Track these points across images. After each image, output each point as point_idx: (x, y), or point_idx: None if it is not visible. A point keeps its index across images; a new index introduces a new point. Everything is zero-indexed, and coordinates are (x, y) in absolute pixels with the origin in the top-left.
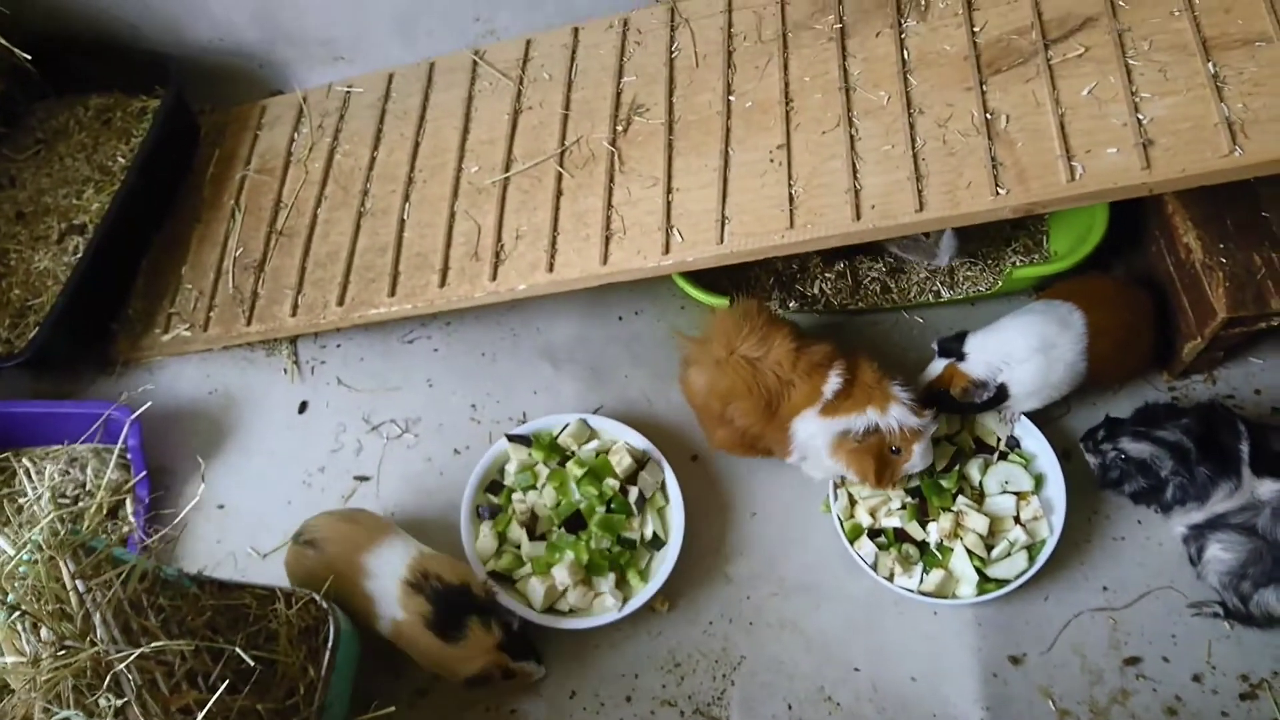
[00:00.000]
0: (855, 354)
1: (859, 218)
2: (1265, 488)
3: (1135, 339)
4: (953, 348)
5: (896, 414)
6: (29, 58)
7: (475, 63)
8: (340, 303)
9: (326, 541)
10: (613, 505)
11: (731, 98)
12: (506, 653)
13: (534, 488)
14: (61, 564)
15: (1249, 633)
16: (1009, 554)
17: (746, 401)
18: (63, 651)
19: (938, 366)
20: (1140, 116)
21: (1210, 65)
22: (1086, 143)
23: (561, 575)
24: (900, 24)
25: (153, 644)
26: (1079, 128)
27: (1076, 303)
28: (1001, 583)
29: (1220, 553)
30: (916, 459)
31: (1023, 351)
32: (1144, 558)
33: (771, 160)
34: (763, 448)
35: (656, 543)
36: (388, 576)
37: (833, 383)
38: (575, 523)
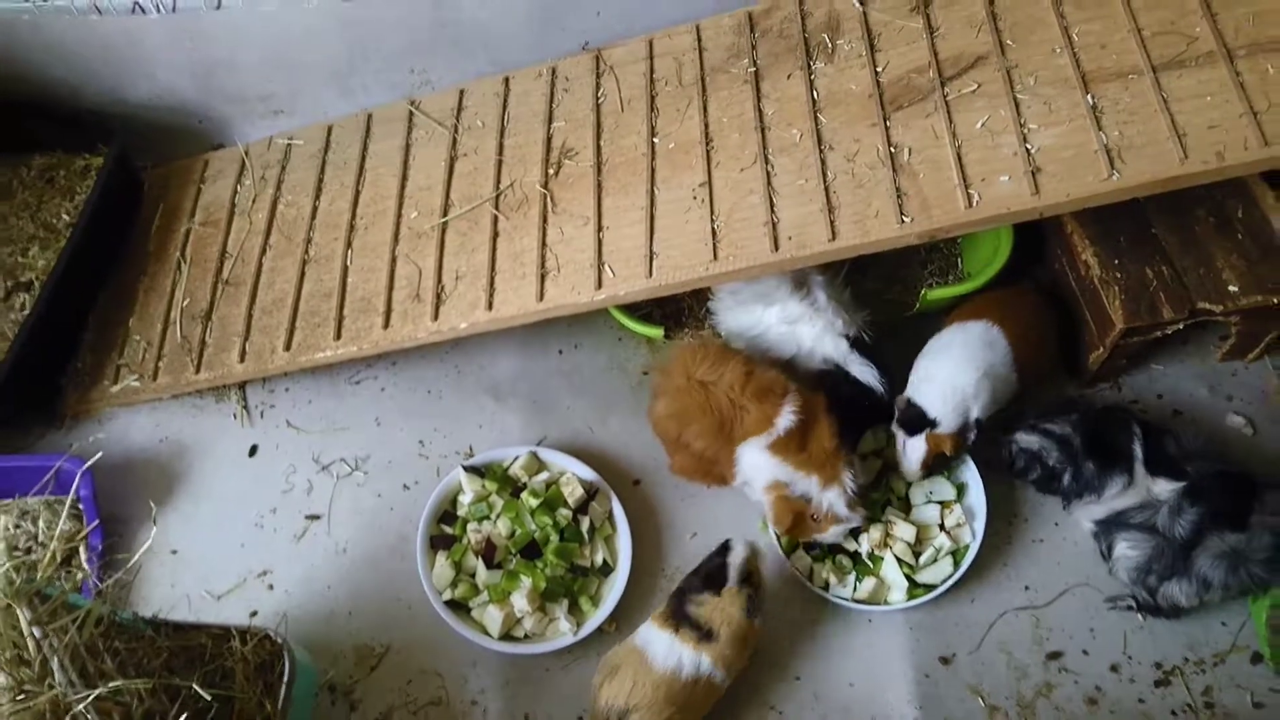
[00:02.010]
0: (814, 397)
1: (777, 248)
2: (1160, 487)
3: (1043, 340)
4: (919, 417)
5: (833, 497)
6: None
7: (411, 112)
8: (287, 348)
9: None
10: (565, 534)
11: (655, 139)
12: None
13: (488, 518)
14: (18, 611)
15: (1160, 623)
16: (936, 560)
17: (701, 423)
18: (21, 696)
19: (918, 445)
20: (1029, 146)
21: (1089, 97)
22: (981, 171)
23: (520, 602)
24: (809, 66)
25: (110, 684)
26: (974, 158)
27: (989, 319)
28: (930, 588)
29: (1127, 550)
30: (828, 535)
31: (972, 385)
32: (1061, 557)
33: (695, 197)
34: (717, 474)
35: (605, 569)
36: None
37: (786, 418)
38: (532, 550)
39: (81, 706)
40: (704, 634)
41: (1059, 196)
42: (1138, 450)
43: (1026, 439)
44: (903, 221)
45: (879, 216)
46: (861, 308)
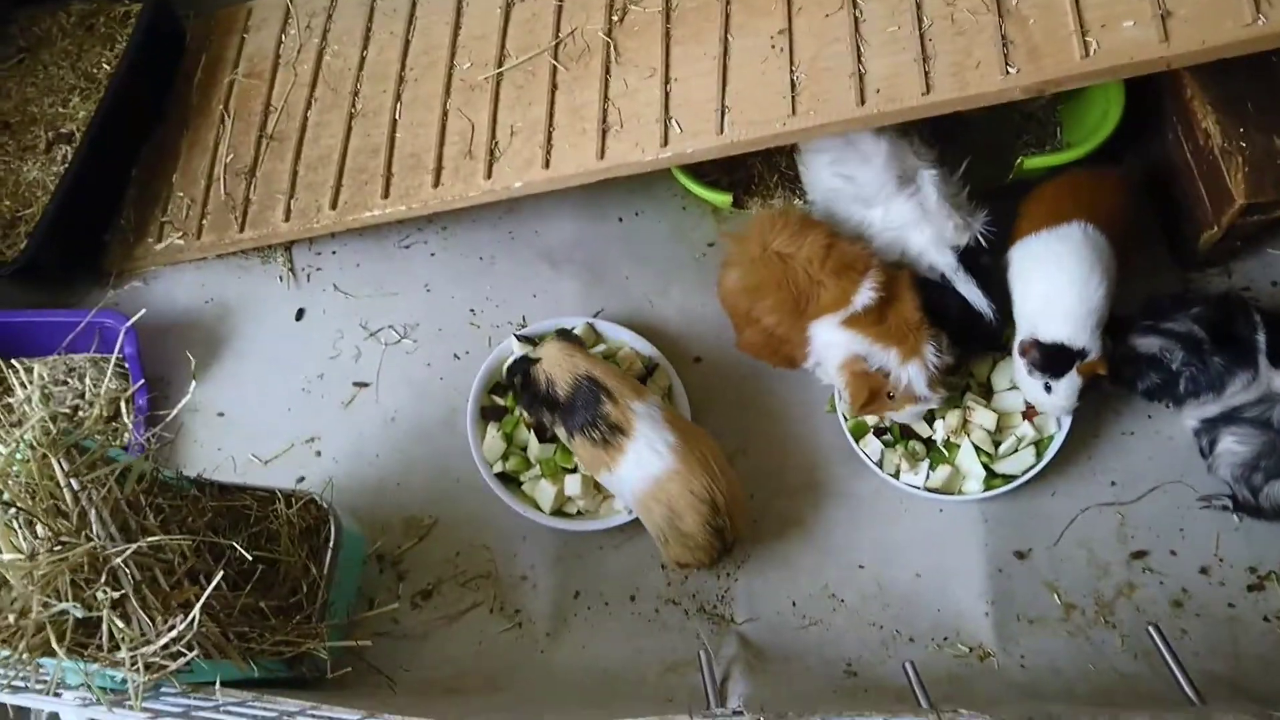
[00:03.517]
0: (899, 272)
1: (863, 102)
2: None
3: (1134, 228)
4: (1063, 354)
5: (913, 372)
6: None
7: None
8: (334, 206)
9: None
10: None
11: None
12: None
13: None
14: (54, 461)
15: (1258, 525)
16: (1016, 450)
17: (774, 297)
18: (59, 547)
19: (1072, 383)
20: None
21: None
22: (1101, 16)
23: (574, 484)
24: None
25: (149, 539)
26: (1093, 1)
27: (1081, 219)
28: (1009, 478)
29: (1234, 445)
30: (904, 415)
31: (1101, 298)
32: (1153, 452)
33: (773, 46)
34: (786, 354)
35: None
36: None
37: (865, 294)
38: None
39: (120, 560)
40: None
41: (1192, 44)
42: (1261, 341)
43: (1146, 342)
44: (1007, 72)
45: (980, 67)
46: (979, 209)
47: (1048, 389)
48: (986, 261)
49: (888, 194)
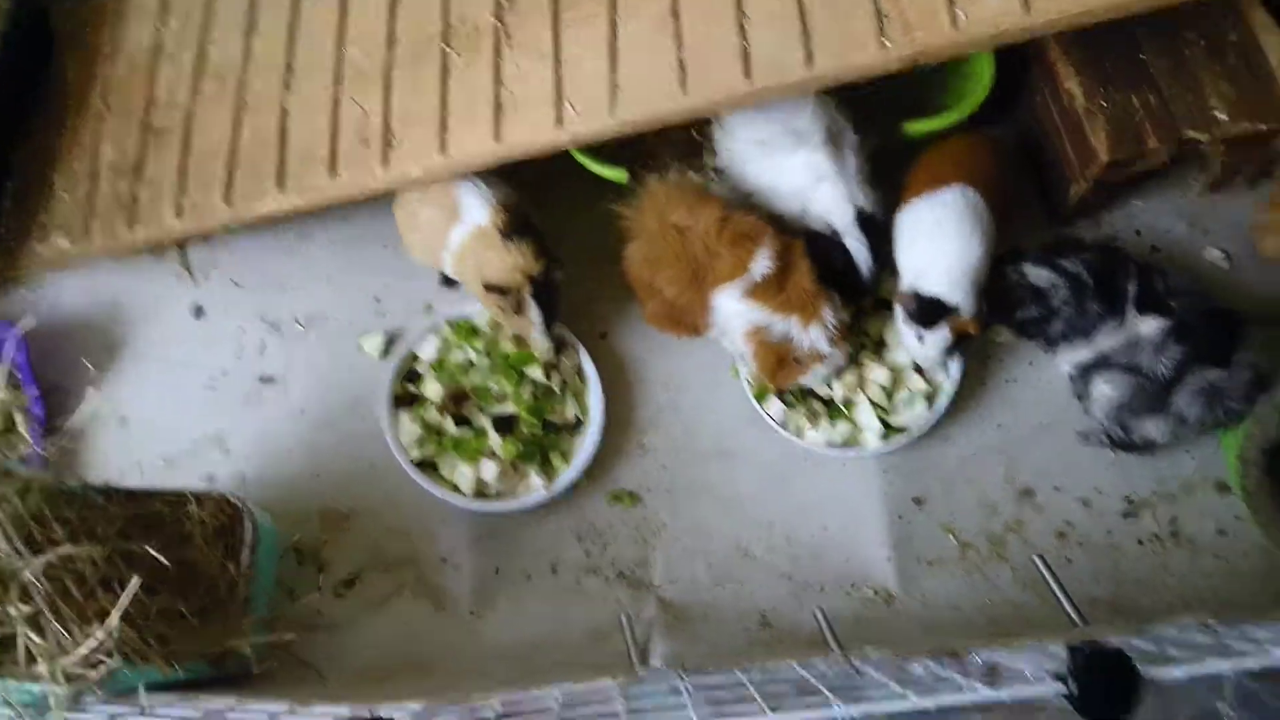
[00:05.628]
0: (792, 241)
1: (750, 78)
2: (1147, 325)
3: (1008, 187)
4: (936, 307)
5: (815, 335)
6: None
7: None
8: (226, 201)
9: None
10: (537, 392)
11: None
12: None
13: (456, 374)
14: None
15: (1130, 458)
16: (910, 402)
17: (673, 269)
18: None
19: (941, 336)
20: None
21: None
22: None
23: (489, 472)
24: None
25: (58, 551)
26: None
27: (959, 182)
28: (904, 430)
29: (1106, 389)
30: (811, 377)
31: (979, 257)
32: (1035, 397)
33: (660, 25)
34: (690, 323)
35: (577, 425)
36: None
37: (761, 263)
38: (506, 424)
39: (29, 575)
40: None
41: (1051, 14)
42: (1131, 289)
43: (1037, 272)
44: (884, 45)
45: (858, 39)
46: (877, 188)
47: (920, 339)
48: (881, 221)
49: (815, 143)
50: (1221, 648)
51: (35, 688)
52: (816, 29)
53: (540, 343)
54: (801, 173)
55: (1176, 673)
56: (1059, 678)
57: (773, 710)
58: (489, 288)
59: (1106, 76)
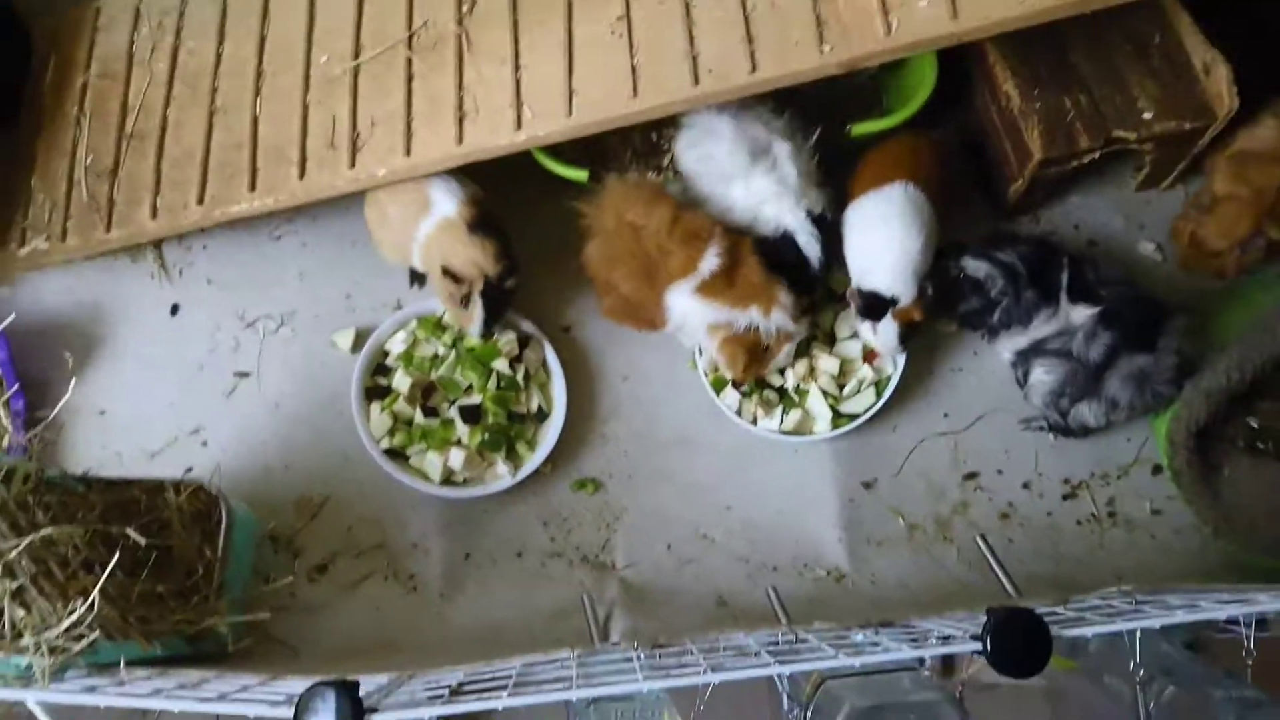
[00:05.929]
0: (740, 239)
1: (697, 82)
2: (1078, 313)
3: (949, 183)
4: (879, 301)
5: (778, 319)
6: None
7: None
8: (200, 202)
9: None
10: (502, 384)
11: None
12: None
13: (424, 367)
14: None
15: (1069, 443)
16: (859, 391)
17: (628, 266)
18: None
19: (890, 327)
20: None
21: None
22: None
23: (457, 460)
24: None
25: (40, 533)
26: None
27: (902, 179)
28: (853, 417)
29: (1043, 375)
30: (781, 358)
31: (919, 249)
32: (979, 385)
33: (613, 32)
34: (647, 318)
35: (541, 415)
36: None
37: (710, 260)
38: (473, 414)
39: (14, 554)
40: None
41: (978, 20)
42: (1063, 279)
43: (974, 264)
44: (823, 51)
45: (799, 46)
46: (825, 180)
47: (874, 331)
48: (829, 219)
49: (744, 170)
50: (1135, 612)
51: (21, 660)
52: (760, 36)
53: (474, 340)
54: (744, 204)
55: (1087, 632)
56: (975, 637)
57: (713, 670)
58: (445, 272)
59: (1040, 79)
